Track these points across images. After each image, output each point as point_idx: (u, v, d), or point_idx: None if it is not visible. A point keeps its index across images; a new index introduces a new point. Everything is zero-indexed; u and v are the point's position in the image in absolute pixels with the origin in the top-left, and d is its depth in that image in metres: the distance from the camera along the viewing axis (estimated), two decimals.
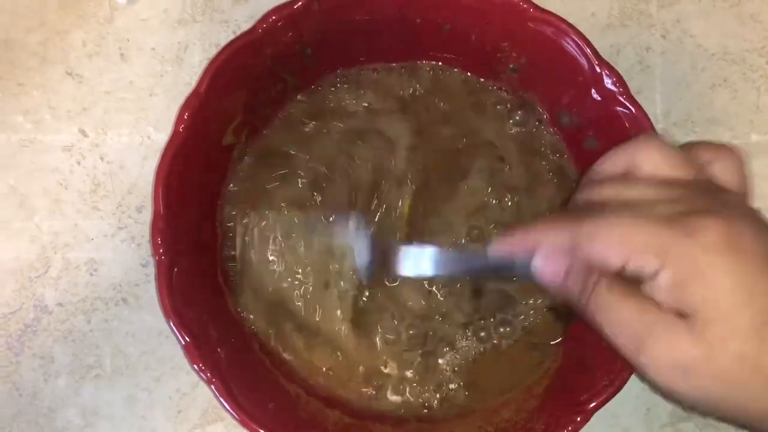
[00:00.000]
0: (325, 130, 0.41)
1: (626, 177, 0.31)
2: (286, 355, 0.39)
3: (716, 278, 0.26)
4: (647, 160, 0.30)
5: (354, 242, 0.39)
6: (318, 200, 0.40)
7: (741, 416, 0.27)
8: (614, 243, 0.28)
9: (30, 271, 0.42)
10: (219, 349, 0.36)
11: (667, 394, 0.28)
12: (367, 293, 0.40)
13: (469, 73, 0.42)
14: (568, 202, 0.33)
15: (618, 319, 0.28)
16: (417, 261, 0.35)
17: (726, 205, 0.28)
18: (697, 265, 0.26)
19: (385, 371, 0.39)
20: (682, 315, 0.26)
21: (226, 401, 0.34)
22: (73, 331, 0.42)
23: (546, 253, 0.30)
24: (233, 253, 0.40)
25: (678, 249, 0.26)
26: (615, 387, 0.35)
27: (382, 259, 0.38)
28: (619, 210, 0.29)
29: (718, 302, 0.26)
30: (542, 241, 0.30)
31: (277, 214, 0.40)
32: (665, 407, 0.42)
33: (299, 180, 0.41)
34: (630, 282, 0.28)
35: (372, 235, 0.39)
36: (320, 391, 0.39)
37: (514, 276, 0.34)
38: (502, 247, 0.32)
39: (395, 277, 0.40)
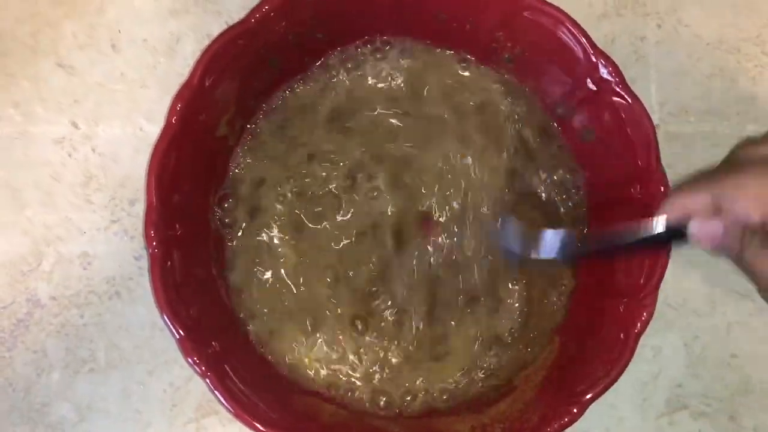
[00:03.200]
0: (319, 118, 0.41)
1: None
2: (281, 348, 0.39)
3: None
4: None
5: (501, 229, 0.39)
6: (318, 192, 0.40)
7: None
8: (752, 198, 0.29)
9: (22, 265, 0.42)
10: (213, 343, 0.35)
11: None
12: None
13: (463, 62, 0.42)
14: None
15: (764, 269, 0.30)
16: (556, 244, 0.37)
17: None
18: None
19: (382, 364, 0.39)
20: None
21: (220, 394, 0.34)
22: (66, 325, 0.42)
23: (699, 219, 0.32)
24: (228, 244, 0.40)
25: None
26: (611, 378, 0.35)
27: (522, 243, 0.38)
28: (755, 165, 0.30)
29: None
30: (690, 207, 0.32)
31: (273, 204, 0.40)
32: (661, 397, 0.42)
33: (297, 170, 0.40)
34: None
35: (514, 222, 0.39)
36: (316, 384, 0.39)
37: (669, 241, 0.34)
38: (661, 215, 0.33)
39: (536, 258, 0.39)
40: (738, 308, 0.43)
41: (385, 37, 0.41)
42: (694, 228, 0.32)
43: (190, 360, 0.34)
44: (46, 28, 0.43)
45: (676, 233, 0.33)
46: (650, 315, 0.35)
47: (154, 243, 0.35)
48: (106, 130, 0.43)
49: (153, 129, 0.43)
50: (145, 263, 0.41)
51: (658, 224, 0.33)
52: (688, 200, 0.32)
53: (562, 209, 0.41)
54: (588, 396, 0.35)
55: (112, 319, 0.42)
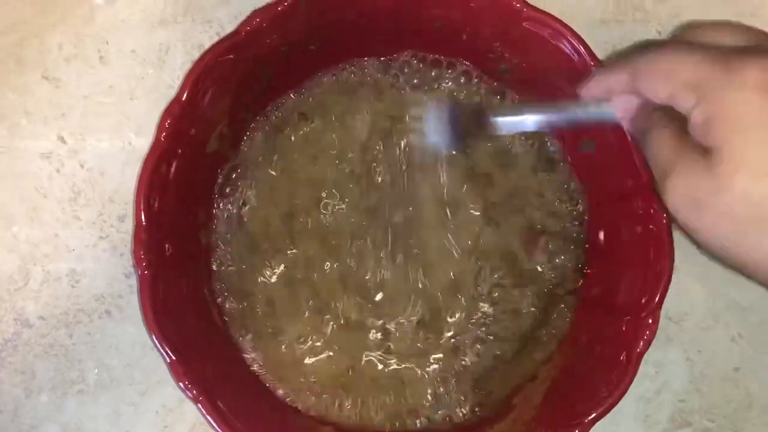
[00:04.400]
0: (314, 132, 0.40)
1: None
2: (276, 371, 0.38)
3: (743, 116, 0.26)
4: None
5: (428, 115, 0.38)
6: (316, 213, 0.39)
7: (748, 264, 0.28)
8: (660, 78, 0.29)
9: (9, 284, 0.41)
10: (206, 366, 0.35)
11: (684, 229, 0.29)
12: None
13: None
14: None
15: (655, 149, 0.30)
16: (507, 119, 0.35)
17: None
18: (728, 102, 0.27)
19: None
20: (708, 152, 0.27)
21: (213, 420, 0.33)
22: (54, 345, 0.41)
23: (616, 96, 0.32)
24: (220, 265, 0.39)
25: (714, 83, 0.27)
26: (614, 398, 0.34)
27: (464, 127, 0.37)
28: (670, 46, 0.30)
29: (739, 140, 0.26)
30: (612, 86, 0.32)
31: (268, 224, 0.39)
32: (664, 413, 0.41)
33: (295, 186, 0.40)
34: (682, 122, 0.29)
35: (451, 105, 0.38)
36: (312, 407, 0.38)
37: (592, 121, 0.35)
38: (586, 94, 0.33)
39: (485, 137, 0.39)
40: (741, 322, 0.42)
41: (378, 51, 0.40)
42: (610, 105, 0.33)
43: (181, 384, 0.33)
44: (31, 39, 0.42)
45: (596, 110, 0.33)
46: (653, 334, 0.34)
47: (144, 264, 0.34)
48: (93, 143, 0.42)
49: (142, 142, 0.42)
50: (134, 281, 0.40)
51: (589, 104, 0.34)
52: (611, 78, 0.32)
53: (561, 223, 0.40)
54: (591, 416, 0.34)
55: (102, 339, 0.41)
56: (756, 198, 0.26)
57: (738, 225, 0.27)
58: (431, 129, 0.37)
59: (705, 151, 0.27)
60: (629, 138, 0.36)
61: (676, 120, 0.29)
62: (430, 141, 0.38)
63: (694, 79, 0.28)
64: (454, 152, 0.40)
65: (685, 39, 0.31)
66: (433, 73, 0.41)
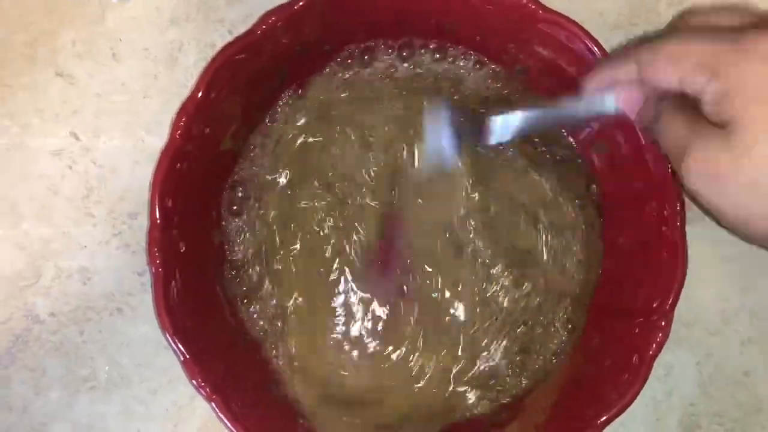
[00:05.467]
0: (327, 130, 0.40)
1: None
2: (290, 369, 0.38)
3: (760, 86, 0.26)
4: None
5: (427, 123, 0.38)
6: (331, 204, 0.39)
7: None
8: (669, 62, 0.29)
9: (20, 280, 0.41)
10: (219, 364, 0.35)
11: (704, 205, 0.29)
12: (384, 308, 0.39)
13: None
14: None
15: (669, 131, 0.30)
16: (505, 126, 0.35)
17: None
18: (743, 74, 0.27)
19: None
20: (723, 127, 0.27)
21: (226, 418, 0.33)
22: (65, 342, 0.41)
23: (619, 88, 0.32)
24: (234, 262, 0.39)
25: (726, 59, 0.27)
26: (625, 402, 0.34)
27: (459, 134, 0.36)
28: (675, 32, 0.30)
29: (756, 109, 0.26)
30: (615, 77, 0.32)
31: (283, 219, 0.39)
32: (674, 417, 0.41)
33: (307, 185, 0.39)
34: (692, 104, 0.28)
35: (448, 113, 0.37)
36: None
37: (595, 115, 0.35)
38: (587, 86, 0.33)
39: (481, 146, 0.38)
40: (751, 326, 0.42)
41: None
42: (614, 97, 0.32)
43: (194, 383, 0.33)
44: (44, 37, 0.42)
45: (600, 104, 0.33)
46: (665, 337, 0.35)
47: (158, 262, 0.34)
48: (106, 141, 0.42)
49: (154, 140, 0.42)
50: (147, 278, 0.40)
51: (592, 99, 0.33)
52: (616, 68, 0.32)
53: (573, 227, 0.40)
54: (602, 419, 0.34)
55: (113, 336, 0.41)
56: None
57: (761, 193, 0.27)
58: (434, 135, 0.37)
59: (720, 128, 0.27)
60: (642, 140, 0.36)
61: (687, 107, 0.29)
62: (433, 148, 0.37)
63: (704, 59, 0.28)
64: (457, 157, 0.39)
65: (687, 25, 0.32)
66: (447, 72, 0.41)
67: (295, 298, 0.39)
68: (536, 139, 0.40)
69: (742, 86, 0.27)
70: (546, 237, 0.39)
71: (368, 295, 0.39)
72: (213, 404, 0.33)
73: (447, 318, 0.39)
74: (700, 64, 0.28)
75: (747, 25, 0.29)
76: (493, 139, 0.35)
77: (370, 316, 0.39)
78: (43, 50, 0.42)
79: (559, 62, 0.38)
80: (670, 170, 0.35)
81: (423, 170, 0.39)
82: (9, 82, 0.42)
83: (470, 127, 0.36)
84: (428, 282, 0.39)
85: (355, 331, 0.39)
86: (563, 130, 0.40)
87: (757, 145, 0.26)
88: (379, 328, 0.39)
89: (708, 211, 0.29)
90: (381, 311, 0.39)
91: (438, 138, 0.37)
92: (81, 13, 0.42)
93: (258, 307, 0.39)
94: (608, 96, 0.33)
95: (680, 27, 0.32)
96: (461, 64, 0.40)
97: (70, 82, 0.42)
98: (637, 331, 0.36)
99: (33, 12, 0.42)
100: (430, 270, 0.39)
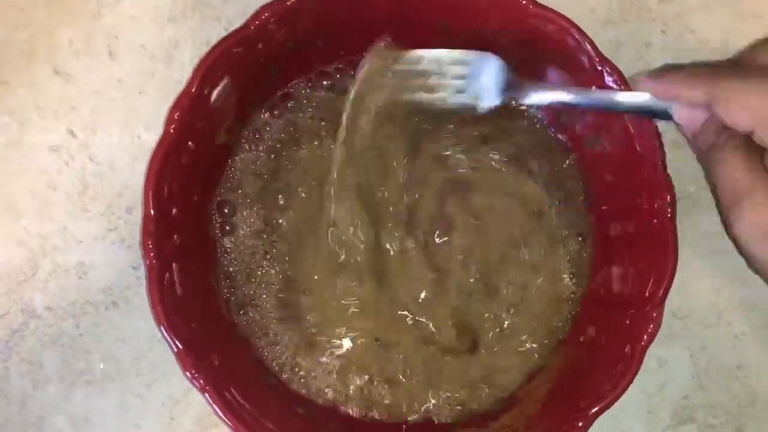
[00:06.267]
0: (319, 125, 0.40)
1: None
2: (283, 361, 0.38)
3: None
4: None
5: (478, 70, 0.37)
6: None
7: None
8: (746, 112, 0.28)
9: (18, 275, 0.41)
10: (213, 356, 0.35)
11: (747, 258, 0.29)
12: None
13: None
14: None
15: (727, 173, 0.29)
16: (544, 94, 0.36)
17: None
18: None
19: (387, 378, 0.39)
20: None
21: (220, 409, 0.33)
22: (62, 336, 0.41)
23: (685, 105, 0.32)
24: (228, 255, 0.39)
25: None
26: (617, 392, 0.34)
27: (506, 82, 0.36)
28: (757, 74, 0.29)
29: None
30: (683, 95, 0.31)
31: (276, 212, 0.39)
32: (668, 409, 0.41)
33: (299, 178, 0.40)
34: (757, 148, 0.28)
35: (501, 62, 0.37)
36: (320, 397, 0.38)
37: (651, 114, 0.35)
38: (646, 87, 0.33)
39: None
40: (745, 319, 0.42)
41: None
42: (678, 110, 0.32)
43: (188, 374, 0.33)
44: (41, 35, 0.43)
45: (658, 110, 0.33)
46: (657, 327, 0.35)
47: (152, 254, 0.34)
48: (103, 138, 0.42)
49: (151, 137, 0.42)
50: (143, 273, 0.40)
51: (645, 97, 0.33)
52: (683, 89, 0.32)
53: (565, 217, 0.40)
54: (593, 410, 0.34)
55: (109, 330, 0.41)
56: None
57: None
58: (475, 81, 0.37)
59: None
60: (633, 132, 0.36)
61: (751, 148, 0.29)
62: (469, 96, 0.37)
63: None
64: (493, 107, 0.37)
65: (755, 61, 0.31)
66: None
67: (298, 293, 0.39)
68: (526, 131, 0.40)
69: None
70: (537, 228, 0.40)
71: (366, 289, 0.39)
72: (206, 395, 0.33)
73: None
74: None
75: None
76: (528, 100, 0.36)
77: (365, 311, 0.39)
78: (41, 48, 0.42)
79: (549, 57, 0.38)
80: (662, 163, 0.35)
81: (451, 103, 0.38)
82: (8, 79, 0.42)
83: (515, 80, 0.37)
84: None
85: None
86: (552, 127, 0.41)
87: None
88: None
89: (749, 260, 0.29)
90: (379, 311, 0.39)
91: (485, 79, 0.37)
92: (79, 11, 0.43)
93: (252, 299, 0.39)
94: (670, 106, 0.33)
95: (749, 64, 0.32)
96: None
97: (67, 79, 0.42)
98: (629, 322, 0.36)
99: (32, 10, 0.43)
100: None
